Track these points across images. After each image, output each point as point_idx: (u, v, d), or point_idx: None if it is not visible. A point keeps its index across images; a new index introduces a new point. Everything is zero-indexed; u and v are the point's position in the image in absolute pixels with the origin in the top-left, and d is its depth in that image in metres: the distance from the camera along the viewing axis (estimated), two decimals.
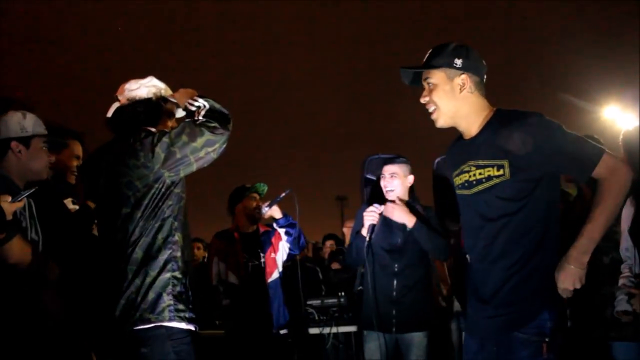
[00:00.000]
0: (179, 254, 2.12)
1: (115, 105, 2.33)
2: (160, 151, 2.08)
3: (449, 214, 3.60)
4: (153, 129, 2.24)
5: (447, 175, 4.61)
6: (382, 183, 3.36)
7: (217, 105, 2.18)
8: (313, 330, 4.28)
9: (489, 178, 1.91)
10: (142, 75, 2.33)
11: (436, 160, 5.08)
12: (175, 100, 2.34)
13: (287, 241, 3.83)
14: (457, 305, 4.72)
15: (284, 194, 3.77)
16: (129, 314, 2.03)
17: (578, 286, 1.87)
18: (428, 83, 2.01)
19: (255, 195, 3.95)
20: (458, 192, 2.09)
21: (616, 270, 2.78)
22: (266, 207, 3.79)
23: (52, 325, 2.30)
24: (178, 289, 2.09)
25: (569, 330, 3.23)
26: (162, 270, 2.07)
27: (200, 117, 2.13)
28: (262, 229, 3.98)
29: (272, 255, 3.86)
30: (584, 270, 1.86)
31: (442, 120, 2.02)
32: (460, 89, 1.96)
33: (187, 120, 2.18)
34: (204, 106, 2.16)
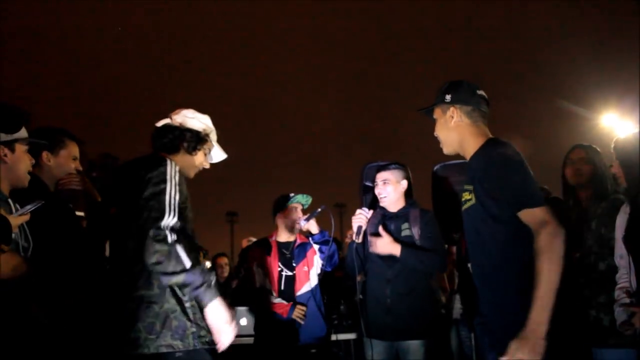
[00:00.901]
0: None
1: (166, 121, 2.49)
2: (150, 185, 2.14)
3: (449, 221, 3.60)
4: (169, 160, 2.27)
5: (445, 183, 4.67)
6: (376, 190, 3.40)
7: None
8: None
9: (465, 201, 2.17)
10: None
11: (435, 168, 5.08)
12: (216, 148, 2.56)
13: (320, 257, 3.81)
14: (456, 313, 4.71)
15: (320, 209, 3.76)
16: (147, 339, 2.09)
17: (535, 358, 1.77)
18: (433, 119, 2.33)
19: (297, 205, 3.91)
20: None
21: (612, 277, 2.78)
22: (304, 220, 3.76)
23: (41, 334, 2.28)
24: (198, 315, 2.18)
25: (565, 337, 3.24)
26: (181, 299, 2.16)
27: (173, 237, 2.05)
28: (299, 240, 3.94)
29: (305, 268, 3.79)
30: (543, 341, 1.77)
31: (445, 148, 2.31)
32: (451, 120, 2.23)
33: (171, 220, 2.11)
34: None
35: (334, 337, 4.24)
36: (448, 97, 2.23)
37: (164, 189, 2.14)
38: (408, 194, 3.45)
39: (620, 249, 2.69)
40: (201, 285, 2.05)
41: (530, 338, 1.76)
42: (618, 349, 2.74)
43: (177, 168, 2.24)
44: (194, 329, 2.14)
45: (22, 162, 2.25)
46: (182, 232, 2.11)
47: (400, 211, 3.38)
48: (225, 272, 6.17)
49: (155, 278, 2.11)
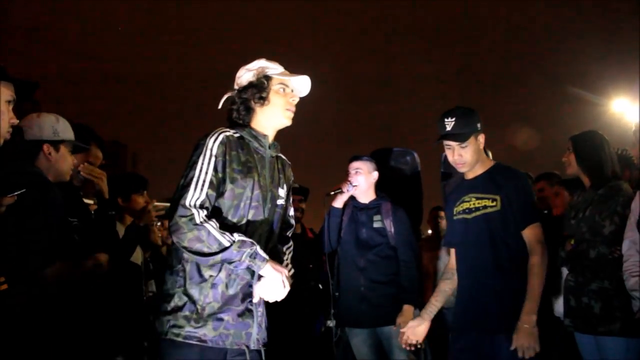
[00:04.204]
0: None
1: (227, 95, 2.20)
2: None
3: None
4: (216, 132, 2.07)
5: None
6: (349, 179, 3.46)
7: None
8: None
9: (481, 207, 2.57)
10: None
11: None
12: (291, 78, 2.14)
13: None
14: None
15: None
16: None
17: (532, 349, 2.37)
18: (461, 146, 2.57)
19: None
20: (456, 217, 2.69)
21: (603, 264, 2.78)
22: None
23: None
24: (180, 304, 2.11)
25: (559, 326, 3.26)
26: (173, 285, 2.17)
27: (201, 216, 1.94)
28: (309, 235, 4.04)
29: None
30: (535, 329, 2.38)
31: (465, 167, 2.63)
32: (481, 144, 2.62)
33: None
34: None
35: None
36: (479, 126, 2.57)
37: (195, 163, 1.99)
38: (378, 187, 3.51)
39: (633, 233, 2.65)
40: (241, 258, 1.92)
41: (527, 326, 2.38)
42: (607, 336, 2.74)
43: (221, 139, 2.03)
44: (169, 318, 2.00)
45: (64, 161, 2.50)
46: (214, 209, 1.99)
47: (371, 203, 3.46)
48: None
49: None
